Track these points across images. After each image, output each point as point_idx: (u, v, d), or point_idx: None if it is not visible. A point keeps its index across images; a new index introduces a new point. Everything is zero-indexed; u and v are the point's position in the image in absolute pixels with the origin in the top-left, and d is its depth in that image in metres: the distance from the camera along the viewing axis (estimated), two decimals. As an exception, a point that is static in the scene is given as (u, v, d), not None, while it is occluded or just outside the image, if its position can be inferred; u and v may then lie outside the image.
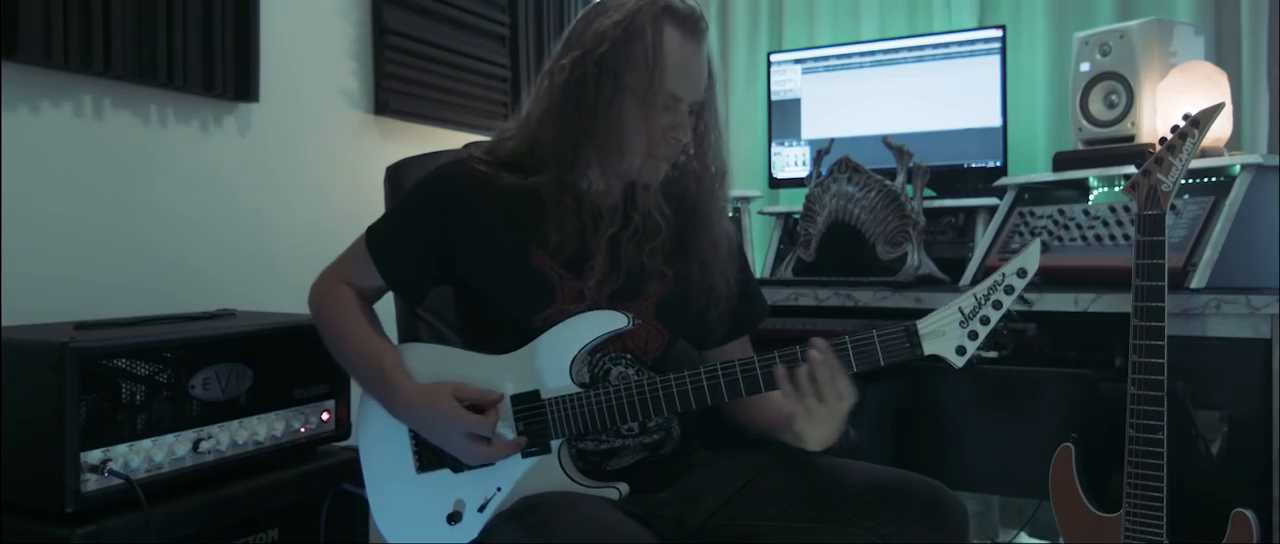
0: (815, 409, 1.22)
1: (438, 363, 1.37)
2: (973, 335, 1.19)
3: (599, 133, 1.32)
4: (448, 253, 1.38)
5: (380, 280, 1.42)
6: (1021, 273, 1.19)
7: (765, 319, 1.55)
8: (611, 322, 1.31)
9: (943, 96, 2.51)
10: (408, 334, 1.61)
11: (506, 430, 1.31)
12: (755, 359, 1.26)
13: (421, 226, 1.39)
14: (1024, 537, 2.46)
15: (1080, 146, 2.14)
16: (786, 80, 2.75)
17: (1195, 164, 1.70)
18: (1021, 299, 1.19)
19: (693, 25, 1.32)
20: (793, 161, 2.76)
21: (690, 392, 1.27)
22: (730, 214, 1.50)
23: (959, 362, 1.20)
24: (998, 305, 1.19)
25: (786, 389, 1.23)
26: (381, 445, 1.37)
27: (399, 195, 1.62)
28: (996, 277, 1.19)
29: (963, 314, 1.20)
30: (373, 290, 1.45)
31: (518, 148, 1.39)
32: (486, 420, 1.27)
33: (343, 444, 1.67)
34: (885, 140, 2.27)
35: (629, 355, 1.39)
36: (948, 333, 1.20)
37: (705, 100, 1.37)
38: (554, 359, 1.32)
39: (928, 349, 1.20)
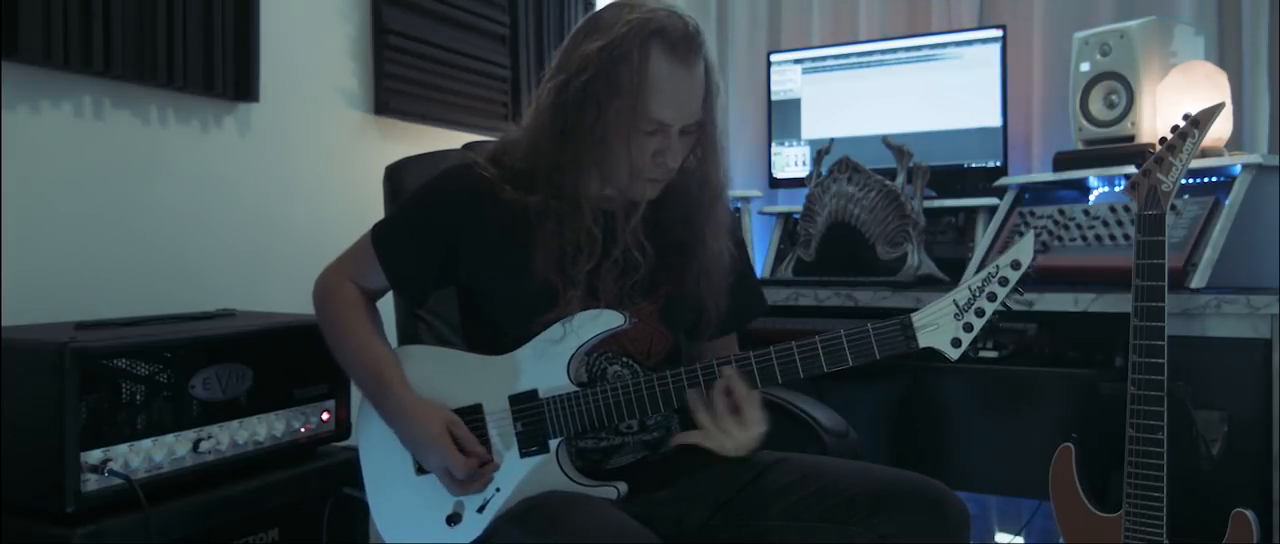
0: (730, 429, 1.26)
1: (436, 365, 1.37)
2: (967, 328, 1.19)
3: (586, 157, 1.30)
4: (451, 255, 1.38)
5: (385, 280, 1.41)
6: (1015, 265, 1.18)
7: (760, 317, 1.54)
8: (609, 321, 1.30)
9: (943, 96, 2.51)
10: (407, 334, 1.61)
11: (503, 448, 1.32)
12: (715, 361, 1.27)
13: (427, 228, 1.38)
14: (1021, 539, 2.46)
15: (1080, 146, 2.15)
16: (786, 80, 2.76)
17: (1195, 164, 1.70)
18: (1016, 291, 1.18)
19: (686, 47, 1.26)
20: (793, 161, 2.77)
21: (687, 389, 1.27)
22: (732, 216, 1.48)
23: (954, 354, 1.20)
24: (992, 297, 1.18)
25: (698, 407, 1.26)
26: (381, 447, 1.37)
27: (403, 196, 1.61)
28: (990, 268, 1.19)
29: (957, 307, 1.19)
30: (377, 289, 1.44)
31: (520, 159, 1.37)
32: (467, 465, 1.27)
33: (343, 444, 1.67)
34: (885, 140, 2.27)
35: (626, 357, 1.39)
36: (942, 325, 1.20)
37: (703, 119, 1.33)
38: (552, 359, 1.31)
39: (923, 342, 1.20)
